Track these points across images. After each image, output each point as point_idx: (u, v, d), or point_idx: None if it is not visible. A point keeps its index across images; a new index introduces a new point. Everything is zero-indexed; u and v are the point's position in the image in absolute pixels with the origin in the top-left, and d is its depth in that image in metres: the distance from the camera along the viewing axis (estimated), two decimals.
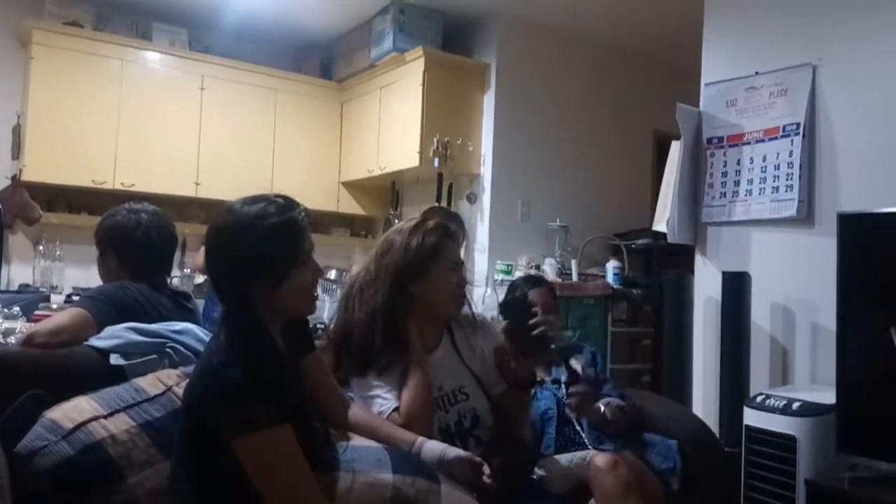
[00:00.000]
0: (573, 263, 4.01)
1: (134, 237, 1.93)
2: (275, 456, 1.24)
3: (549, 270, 3.95)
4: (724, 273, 2.66)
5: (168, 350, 1.73)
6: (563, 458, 1.78)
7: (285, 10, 4.30)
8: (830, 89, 2.55)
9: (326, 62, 4.89)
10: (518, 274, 3.91)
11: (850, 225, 2.08)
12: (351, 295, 1.72)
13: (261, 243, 1.30)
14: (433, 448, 1.50)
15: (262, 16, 4.37)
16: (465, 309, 1.80)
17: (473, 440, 1.69)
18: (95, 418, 1.44)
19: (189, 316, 1.95)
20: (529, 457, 1.75)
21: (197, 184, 4.21)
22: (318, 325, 3.01)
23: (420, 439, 1.51)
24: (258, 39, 4.66)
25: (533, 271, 3.93)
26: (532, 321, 1.62)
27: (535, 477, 1.72)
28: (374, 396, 1.64)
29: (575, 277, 3.96)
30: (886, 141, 2.37)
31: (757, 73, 2.77)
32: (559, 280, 3.86)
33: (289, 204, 1.36)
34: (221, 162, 4.28)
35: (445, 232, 1.71)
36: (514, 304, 1.90)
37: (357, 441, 1.50)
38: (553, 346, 1.66)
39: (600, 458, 1.64)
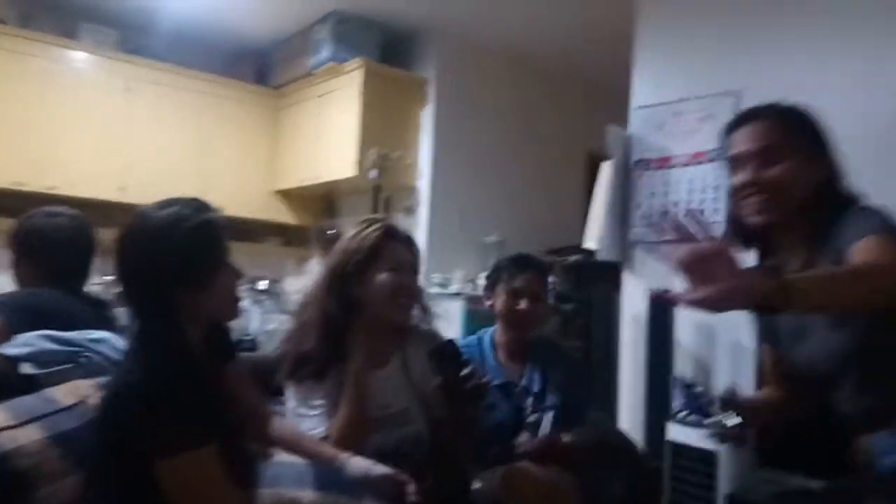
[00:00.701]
0: None
1: (52, 242, 1.84)
2: (198, 479, 1.19)
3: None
4: (650, 292, 2.74)
5: (83, 359, 1.64)
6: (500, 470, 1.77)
7: (221, 15, 4.21)
8: None
9: (262, 68, 4.80)
10: (453, 288, 3.93)
11: None
12: (304, 301, 1.68)
13: (182, 247, 1.25)
14: (358, 465, 1.45)
15: (196, 19, 4.26)
16: (425, 324, 1.73)
17: (409, 468, 1.61)
18: (3, 429, 1.35)
19: (108, 325, 1.87)
20: (464, 478, 1.71)
21: (122, 188, 4.05)
22: (245, 338, 2.94)
23: (344, 455, 1.47)
24: (192, 43, 4.54)
25: (469, 287, 3.96)
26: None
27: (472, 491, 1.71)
28: (302, 416, 1.59)
29: None
30: None
31: (683, 99, 2.87)
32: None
33: (203, 205, 1.32)
34: (148, 166, 4.14)
35: (387, 232, 1.65)
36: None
37: (279, 456, 1.45)
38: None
39: (506, 472, 1.68)
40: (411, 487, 1.44)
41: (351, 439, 1.52)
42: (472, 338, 2.14)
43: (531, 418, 1.92)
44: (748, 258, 1.40)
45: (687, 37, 2.92)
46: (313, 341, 1.58)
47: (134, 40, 4.32)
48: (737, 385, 1.46)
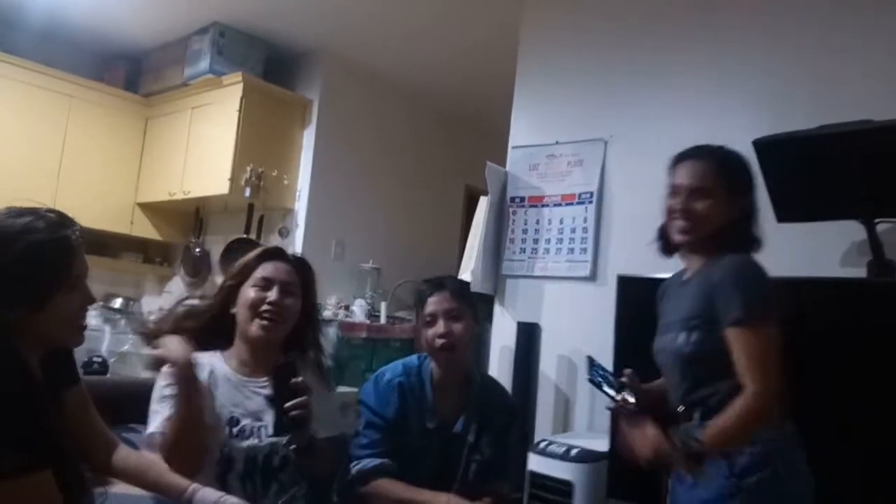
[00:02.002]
0: (383, 306, 4.04)
1: None
2: None
3: (359, 311, 3.94)
4: (518, 323, 2.82)
5: None
6: None
7: (93, 15, 3.97)
8: (618, 162, 2.84)
9: (132, 75, 4.56)
10: (327, 314, 3.86)
11: (627, 286, 2.31)
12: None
13: (20, 262, 1.15)
14: (206, 497, 1.37)
15: (65, 17, 3.99)
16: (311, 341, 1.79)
17: (277, 484, 1.59)
18: None
19: None
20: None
21: None
22: (95, 359, 2.72)
23: (192, 487, 1.39)
24: (59, 42, 4.24)
25: (342, 314, 3.90)
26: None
27: None
28: (155, 411, 1.54)
29: (383, 320, 3.98)
30: (661, 212, 2.68)
31: (557, 142, 3.02)
32: (367, 321, 3.86)
33: (61, 220, 1.22)
34: (1, 167, 3.78)
35: (266, 252, 1.74)
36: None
37: (120, 488, 1.35)
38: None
39: None
40: None
41: (177, 458, 1.45)
42: (413, 360, 1.96)
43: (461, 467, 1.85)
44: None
45: (562, 84, 3.08)
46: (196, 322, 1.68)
47: None
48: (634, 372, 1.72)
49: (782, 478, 1.43)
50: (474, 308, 1.95)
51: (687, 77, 2.69)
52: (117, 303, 4.43)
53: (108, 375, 2.92)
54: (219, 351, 1.67)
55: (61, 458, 1.18)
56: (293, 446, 1.55)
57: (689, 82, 2.68)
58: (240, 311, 1.65)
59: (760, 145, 1.95)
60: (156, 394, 1.57)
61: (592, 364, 1.82)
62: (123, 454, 1.45)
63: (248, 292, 1.65)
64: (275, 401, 1.52)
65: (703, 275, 1.58)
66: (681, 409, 1.58)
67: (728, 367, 1.46)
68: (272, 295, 1.64)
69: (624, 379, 1.71)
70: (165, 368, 1.56)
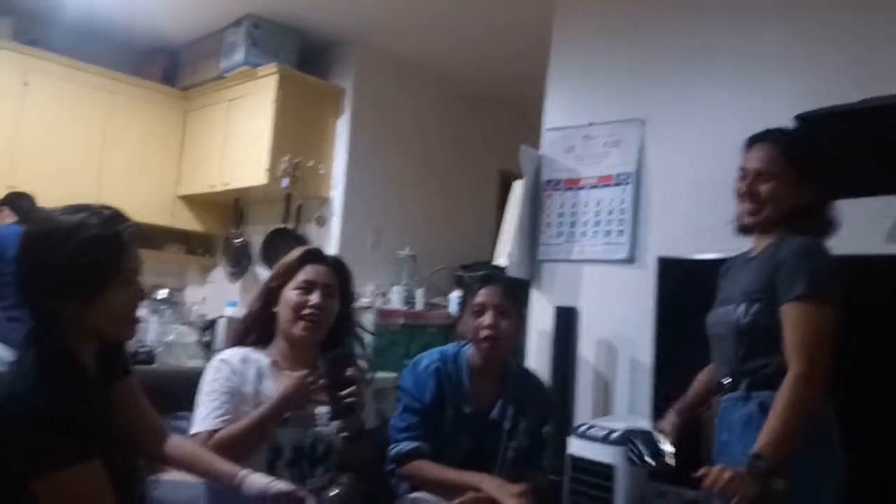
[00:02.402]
0: (419, 292, 4.06)
1: None
2: (80, 496, 1.12)
3: (396, 298, 3.97)
4: (556, 308, 2.80)
5: None
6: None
7: (129, 10, 4.04)
8: (656, 143, 2.80)
9: (170, 69, 4.63)
10: (364, 301, 3.90)
11: (668, 268, 2.28)
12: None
13: (73, 257, 1.17)
14: (255, 483, 1.42)
15: (101, 13, 4.07)
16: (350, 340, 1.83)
17: (323, 469, 1.66)
18: None
19: None
20: (375, 493, 1.74)
21: (11, 187, 3.79)
22: (141, 349, 2.80)
23: (242, 473, 1.44)
24: (97, 37, 4.33)
25: (380, 301, 3.94)
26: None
27: None
28: (199, 404, 1.62)
29: (420, 306, 4.01)
30: (704, 192, 2.64)
31: (592, 123, 2.98)
32: (404, 308, 3.88)
33: (115, 217, 1.25)
34: (43, 165, 3.89)
35: (307, 254, 1.78)
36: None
37: (172, 475, 1.39)
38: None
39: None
40: (310, 502, 1.43)
41: (230, 456, 1.52)
42: (450, 348, 1.98)
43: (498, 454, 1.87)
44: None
45: (598, 64, 3.03)
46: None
47: (32, 31, 4.06)
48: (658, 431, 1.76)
49: (817, 456, 1.47)
50: (522, 307, 1.97)
51: (728, 53, 2.62)
52: (162, 294, 4.54)
53: (155, 365, 3.00)
54: (258, 347, 1.74)
55: (113, 449, 1.22)
56: (345, 433, 1.63)
57: (729, 58, 2.61)
58: (283, 311, 1.72)
59: (803, 120, 1.90)
60: (205, 386, 1.64)
61: (630, 447, 1.84)
62: (175, 443, 1.50)
63: (291, 295, 1.71)
64: (329, 389, 1.59)
65: (769, 253, 1.62)
66: (727, 380, 1.61)
67: (782, 342, 1.48)
68: (314, 298, 1.70)
69: (659, 440, 1.75)
70: (216, 363, 1.66)
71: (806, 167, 1.63)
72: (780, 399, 1.43)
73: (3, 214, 3.43)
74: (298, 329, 1.69)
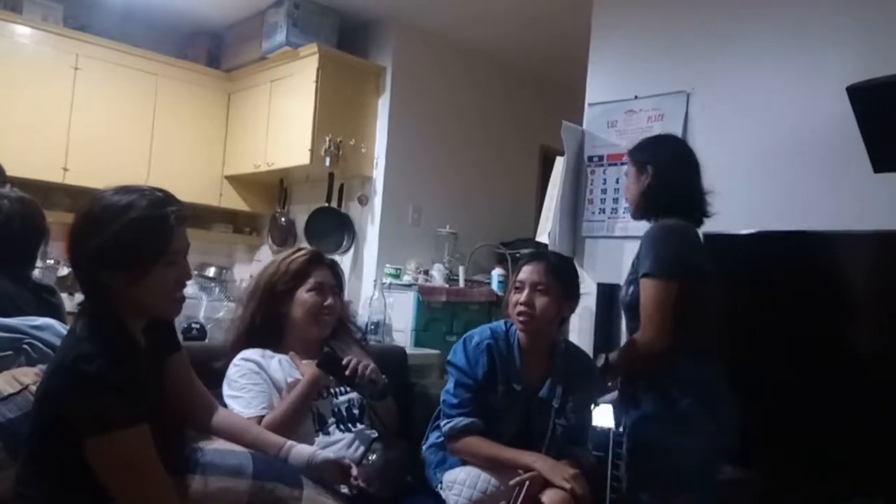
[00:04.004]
0: (461, 270, 4.08)
1: None
2: (129, 457, 1.19)
3: (438, 276, 4.00)
4: (598, 284, 2.80)
5: (26, 346, 1.60)
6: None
7: None
8: (701, 116, 2.74)
9: (214, 51, 4.70)
10: (407, 278, 3.94)
11: (714, 245, 2.24)
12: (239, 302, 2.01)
13: (121, 234, 1.24)
14: (301, 452, 1.52)
15: None
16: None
17: (362, 424, 1.83)
18: None
19: (52, 311, 1.82)
20: (407, 458, 1.82)
21: (65, 169, 3.92)
22: (194, 325, 2.89)
23: (288, 444, 1.53)
24: (141, 21, 4.41)
25: (421, 278, 3.97)
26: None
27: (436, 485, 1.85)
28: (236, 397, 1.72)
29: (462, 283, 4.03)
30: (751, 166, 2.59)
31: (636, 97, 2.94)
32: (446, 285, 3.91)
33: (163, 199, 1.31)
34: (93, 147, 4.01)
35: (313, 257, 1.92)
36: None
37: (219, 444, 1.46)
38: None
39: (556, 497, 1.68)
40: (354, 471, 1.54)
41: (288, 426, 1.66)
42: (501, 325, 1.99)
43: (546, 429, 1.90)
44: None
45: (641, 37, 2.98)
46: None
47: (80, 16, 4.17)
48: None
49: (672, 412, 1.76)
50: (570, 287, 1.93)
51: (776, 21, 2.55)
52: (211, 272, 4.66)
53: (206, 341, 3.09)
54: (269, 348, 1.85)
55: (162, 416, 1.28)
56: (369, 396, 1.86)
57: (777, 27, 2.54)
58: (297, 313, 1.86)
59: (854, 91, 1.83)
60: (234, 383, 1.75)
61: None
62: (223, 415, 1.58)
63: (306, 297, 1.86)
64: (339, 379, 1.79)
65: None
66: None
67: None
68: (329, 299, 1.87)
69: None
70: (239, 361, 1.79)
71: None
72: (622, 347, 1.90)
73: None
74: (316, 329, 1.87)
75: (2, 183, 3.26)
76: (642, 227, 2.86)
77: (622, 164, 2.96)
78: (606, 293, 2.75)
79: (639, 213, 1.99)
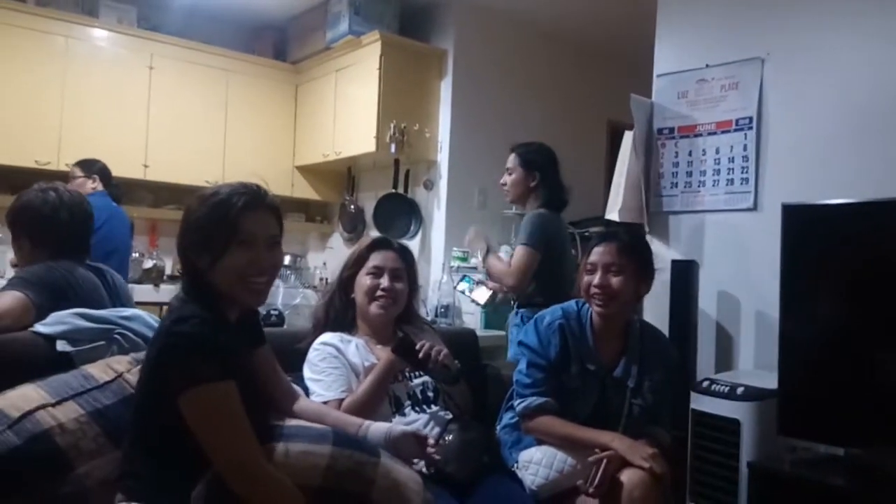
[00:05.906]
0: None
1: (43, 216, 1.87)
2: (218, 409, 1.27)
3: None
4: (673, 261, 2.72)
5: (117, 336, 1.69)
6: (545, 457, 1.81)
7: None
8: (777, 82, 2.62)
9: (280, 44, 4.80)
10: (474, 261, 3.93)
11: (794, 215, 2.15)
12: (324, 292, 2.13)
13: (202, 218, 1.38)
14: (379, 428, 1.60)
15: None
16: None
17: (437, 407, 1.87)
18: (43, 406, 1.40)
19: (112, 296, 1.93)
20: (483, 439, 1.82)
21: (145, 166, 4.10)
22: (272, 312, 2.99)
23: (367, 423, 1.62)
24: (209, 18, 4.55)
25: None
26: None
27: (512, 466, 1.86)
28: (316, 380, 1.80)
29: None
30: (830, 133, 2.46)
31: (707, 65, 2.83)
32: None
33: (243, 188, 1.42)
34: (171, 144, 4.18)
35: (374, 243, 1.99)
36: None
37: (302, 422, 1.53)
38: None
39: (634, 477, 1.66)
40: (431, 443, 1.61)
41: (367, 409, 1.74)
42: (573, 305, 1.97)
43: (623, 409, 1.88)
44: None
45: (710, 2, 2.86)
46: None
47: (152, 17, 4.34)
48: None
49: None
50: (645, 265, 1.89)
51: None
52: (286, 260, 4.79)
53: (285, 327, 3.19)
54: (344, 332, 1.93)
55: (249, 399, 1.35)
56: (443, 380, 1.89)
57: None
58: (358, 296, 1.93)
59: None
60: (314, 366, 1.83)
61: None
62: (304, 403, 1.67)
63: (364, 280, 1.92)
64: (413, 365, 1.82)
65: None
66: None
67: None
68: (384, 281, 1.91)
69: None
70: (318, 345, 1.86)
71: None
72: (505, 265, 2.73)
73: (79, 182, 3.36)
74: (374, 309, 1.90)
75: (108, 183, 3.48)
76: (724, 200, 2.80)
77: (695, 136, 2.87)
78: (682, 269, 2.67)
79: (520, 202, 2.84)
